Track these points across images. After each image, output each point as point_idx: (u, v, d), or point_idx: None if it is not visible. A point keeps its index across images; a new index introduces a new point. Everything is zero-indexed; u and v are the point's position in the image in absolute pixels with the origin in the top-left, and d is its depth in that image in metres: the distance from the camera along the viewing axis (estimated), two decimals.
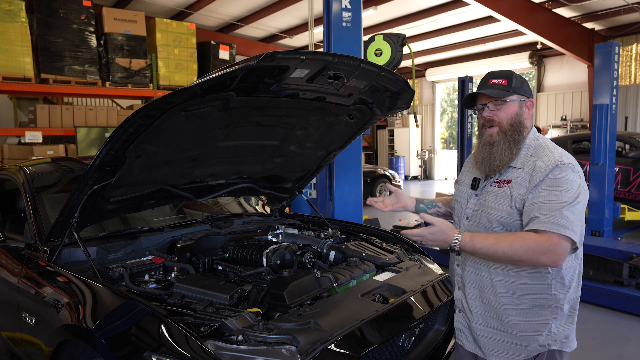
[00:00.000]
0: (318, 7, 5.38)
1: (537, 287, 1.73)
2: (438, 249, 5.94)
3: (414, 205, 2.28)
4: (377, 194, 11.24)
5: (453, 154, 16.66)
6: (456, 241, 1.69)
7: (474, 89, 2.03)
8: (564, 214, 1.59)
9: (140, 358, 1.76)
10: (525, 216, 1.68)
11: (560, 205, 1.61)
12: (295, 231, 3.29)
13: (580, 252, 1.77)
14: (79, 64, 7.79)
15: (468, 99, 1.88)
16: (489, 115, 1.81)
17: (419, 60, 16.08)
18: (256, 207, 4.01)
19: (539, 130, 8.24)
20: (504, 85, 1.78)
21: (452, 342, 2.55)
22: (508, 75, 1.81)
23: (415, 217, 7.74)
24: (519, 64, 14.19)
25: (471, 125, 7.33)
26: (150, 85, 8.78)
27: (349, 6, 4.11)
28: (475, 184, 1.90)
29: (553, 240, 1.58)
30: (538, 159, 1.74)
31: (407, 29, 12.02)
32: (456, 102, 13.55)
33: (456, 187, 2.05)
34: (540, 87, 14.24)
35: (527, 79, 17.30)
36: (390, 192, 2.33)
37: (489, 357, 1.83)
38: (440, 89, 17.93)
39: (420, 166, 17.37)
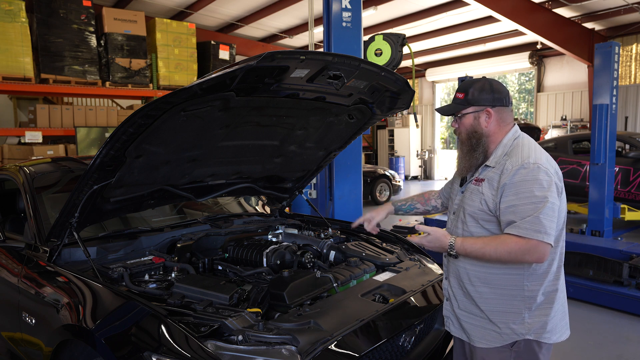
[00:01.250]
0: (318, 7, 5.38)
1: (509, 277, 1.83)
2: None
3: (393, 209, 2.44)
4: (377, 194, 11.24)
5: (453, 154, 16.66)
6: (451, 246, 1.85)
7: None
8: (539, 219, 1.69)
9: (140, 358, 1.76)
10: (503, 218, 1.78)
11: (533, 209, 1.70)
12: (295, 231, 3.29)
13: (560, 245, 1.87)
14: (79, 64, 7.79)
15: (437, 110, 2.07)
16: (454, 125, 2.00)
17: (419, 60, 16.08)
18: (256, 207, 4.01)
19: (539, 130, 8.17)
20: (461, 99, 1.93)
21: (452, 342, 2.55)
22: (467, 87, 1.92)
23: (415, 218, 7.75)
24: (519, 64, 14.19)
25: None
26: (150, 85, 8.78)
27: (349, 6, 4.12)
28: (462, 182, 2.03)
29: (532, 242, 1.70)
30: (509, 158, 1.83)
31: (407, 29, 12.02)
32: None
33: (453, 184, 2.18)
34: (540, 87, 14.24)
35: (527, 79, 17.22)
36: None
37: (472, 342, 1.93)
38: (440, 89, 17.93)
39: (420, 166, 17.37)
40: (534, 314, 1.82)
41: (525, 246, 1.69)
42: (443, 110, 1.99)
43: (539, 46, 12.81)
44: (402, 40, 4.19)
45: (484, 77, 1.97)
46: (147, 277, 2.40)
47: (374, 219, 2.38)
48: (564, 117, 13.39)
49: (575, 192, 8.18)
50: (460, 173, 2.01)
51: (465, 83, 1.96)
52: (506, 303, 1.83)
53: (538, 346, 1.84)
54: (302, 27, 12.49)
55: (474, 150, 1.92)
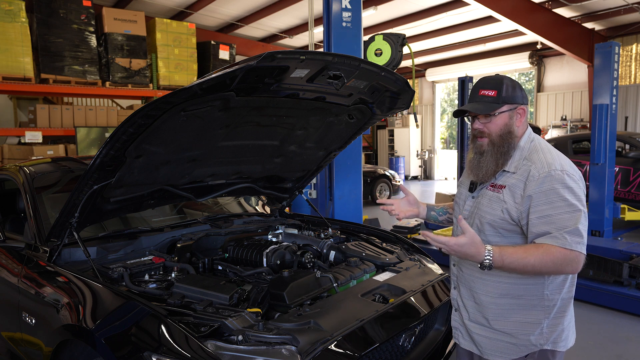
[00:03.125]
0: (318, 7, 5.37)
1: (530, 288, 1.76)
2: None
3: (425, 212, 2.25)
4: (377, 194, 11.24)
5: (453, 154, 16.66)
6: (488, 257, 1.64)
7: None
8: (579, 230, 1.62)
9: (140, 358, 1.76)
10: (534, 229, 1.67)
11: (570, 218, 1.62)
12: (295, 231, 3.29)
13: None
14: (79, 64, 7.79)
15: (459, 111, 1.89)
16: (479, 127, 1.83)
17: (419, 60, 16.08)
18: (256, 207, 4.01)
19: (539, 130, 8.17)
20: (493, 97, 1.78)
21: (452, 342, 2.55)
22: (498, 84, 1.79)
23: (415, 218, 7.73)
24: (519, 64, 14.19)
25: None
26: (150, 85, 8.78)
27: (349, 6, 4.11)
28: (472, 187, 1.92)
29: (574, 254, 1.62)
30: (532, 164, 1.73)
31: (407, 29, 12.02)
32: (456, 102, 13.57)
33: (457, 188, 2.08)
34: (540, 87, 14.24)
35: (527, 79, 17.20)
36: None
37: (484, 354, 1.86)
38: (440, 89, 17.93)
39: (420, 166, 17.37)
40: (552, 322, 1.77)
41: (569, 257, 1.61)
42: (476, 109, 1.79)
43: (539, 46, 12.81)
44: (402, 40, 4.19)
45: (501, 75, 1.85)
46: (147, 277, 2.40)
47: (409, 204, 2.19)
48: (564, 117, 13.39)
49: None
50: (482, 178, 1.84)
51: (491, 80, 1.81)
52: (525, 313, 1.76)
53: (552, 355, 1.79)
54: (302, 27, 12.49)
55: (506, 153, 1.78)
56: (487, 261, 1.63)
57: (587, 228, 1.66)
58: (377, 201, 2.19)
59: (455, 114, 1.91)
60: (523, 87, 1.86)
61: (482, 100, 1.80)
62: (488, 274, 1.78)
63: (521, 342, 1.77)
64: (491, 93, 1.78)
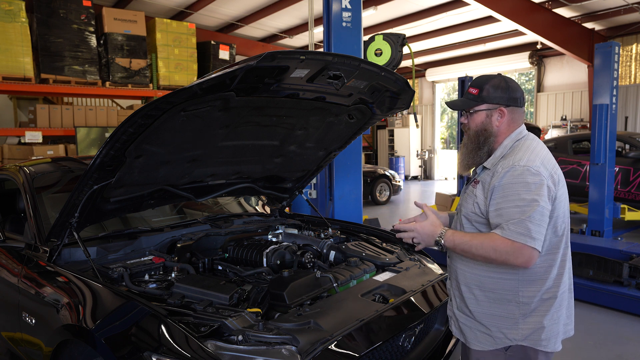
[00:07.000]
0: (318, 7, 5.38)
1: (503, 282, 1.79)
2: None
3: (448, 221, 2.21)
4: (377, 194, 11.24)
5: (453, 154, 16.66)
6: (440, 236, 1.82)
7: None
8: (524, 222, 1.65)
9: (140, 358, 1.76)
10: (491, 221, 1.75)
11: (519, 212, 1.66)
12: (295, 231, 3.29)
13: (561, 251, 1.79)
14: (79, 64, 7.79)
15: (447, 103, 2.02)
16: (464, 120, 1.95)
17: (419, 60, 16.08)
18: (256, 207, 4.01)
19: (539, 130, 8.12)
20: (475, 95, 1.87)
21: (452, 342, 2.56)
22: (481, 83, 1.87)
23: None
24: (519, 64, 14.19)
25: None
26: (150, 85, 8.78)
27: (349, 6, 4.11)
28: (467, 183, 2.01)
29: (516, 245, 1.65)
30: (504, 160, 1.79)
31: (407, 29, 12.02)
32: None
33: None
34: (540, 87, 14.24)
35: (527, 79, 17.21)
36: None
37: (467, 342, 1.91)
38: (440, 89, 17.93)
39: (420, 166, 17.37)
40: (528, 320, 1.76)
41: (510, 247, 1.65)
42: (454, 105, 1.95)
43: (539, 46, 12.81)
44: (402, 40, 4.19)
45: (499, 74, 1.90)
46: (147, 277, 2.40)
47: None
48: (564, 117, 13.40)
49: (575, 192, 8.17)
50: (460, 170, 1.97)
51: (480, 78, 1.89)
52: (499, 307, 1.79)
53: (534, 353, 1.78)
54: (302, 27, 12.49)
55: (479, 149, 1.88)
56: (440, 239, 1.81)
57: (542, 224, 1.66)
58: (395, 226, 2.04)
59: (446, 104, 2.03)
60: (523, 87, 1.88)
61: (466, 96, 1.90)
62: (466, 265, 1.86)
63: (496, 335, 1.80)
64: (474, 91, 1.88)
